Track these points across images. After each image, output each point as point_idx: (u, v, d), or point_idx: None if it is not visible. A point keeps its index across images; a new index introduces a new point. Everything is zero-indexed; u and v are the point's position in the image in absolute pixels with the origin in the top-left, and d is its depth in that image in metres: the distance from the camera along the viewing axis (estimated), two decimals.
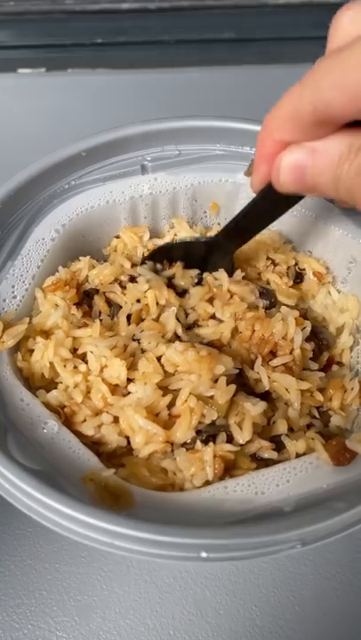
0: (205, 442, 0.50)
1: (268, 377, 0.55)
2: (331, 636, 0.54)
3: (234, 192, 0.68)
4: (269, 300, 0.60)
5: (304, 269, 0.66)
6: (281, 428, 0.53)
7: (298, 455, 0.52)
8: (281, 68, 1.05)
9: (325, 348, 0.60)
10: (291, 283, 0.65)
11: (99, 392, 0.53)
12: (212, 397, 0.52)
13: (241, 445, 0.51)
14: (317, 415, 0.56)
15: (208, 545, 0.42)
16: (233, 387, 0.52)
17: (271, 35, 1.10)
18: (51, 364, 0.56)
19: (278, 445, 0.53)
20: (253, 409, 0.52)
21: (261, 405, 0.52)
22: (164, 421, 0.52)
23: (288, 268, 0.66)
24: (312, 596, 0.56)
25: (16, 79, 1.04)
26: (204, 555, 0.42)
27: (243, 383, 0.55)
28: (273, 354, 0.57)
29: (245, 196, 0.68)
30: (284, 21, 1.10)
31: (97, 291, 0.61)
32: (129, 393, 0.53)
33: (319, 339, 0.60)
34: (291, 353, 0.56)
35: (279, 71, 1.03)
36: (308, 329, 0.57)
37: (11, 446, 0.49)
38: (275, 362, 0.56)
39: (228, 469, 0.50)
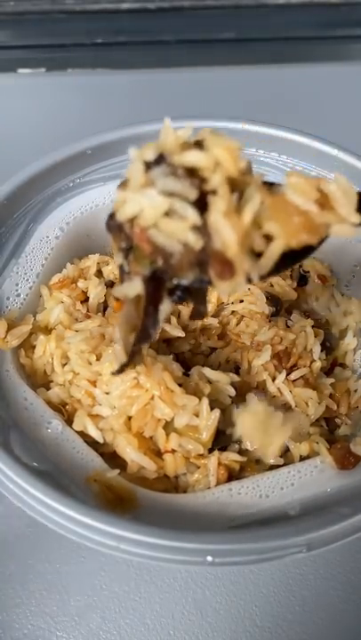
0: (212, 448, 0.50)
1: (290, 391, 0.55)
2: (331, 637, 0.55)
3: None
4: (275, 307, 0.60)
5: (308, 272, 0.66)
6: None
7: (301, 458, 0.52)
8: (281, 69, 1.05)
9: (329, 350, 0.60)
10: (295, 285, 0.65)
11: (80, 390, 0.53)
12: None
13: (247, 450, 0.51)
14: (324, 425, 0.56)
15: (214, 550, 0.42)
16: (216, 415, 0.50)
17: (271, 35, 1.10)
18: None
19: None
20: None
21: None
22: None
23: (292, 270, 0.66)
24: (312, 596, 0.56)
25: (16, 79, 1.04)
26: (209, 559, 0.43)
27: (261, 392, 0.55)
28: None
29: None
30: (284, 21, 1.10)
31: (112, 284, 0.61)
32: None
33: (323, 341, 0.60)
34: (310, 365, 0.57)
35: (280, 71, 1.04)
36: (322, 337, 0.58)
37: (14, 445, 0.49)
38: (294, 375, 0.56)
39: (233, 478, 0.50)
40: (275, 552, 0.43)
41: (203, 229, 0.35)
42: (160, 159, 0.36)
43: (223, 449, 0.52)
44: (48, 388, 0.55)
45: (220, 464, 0.50)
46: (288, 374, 0.56)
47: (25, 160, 0.63)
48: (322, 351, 0.58)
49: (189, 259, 0.36)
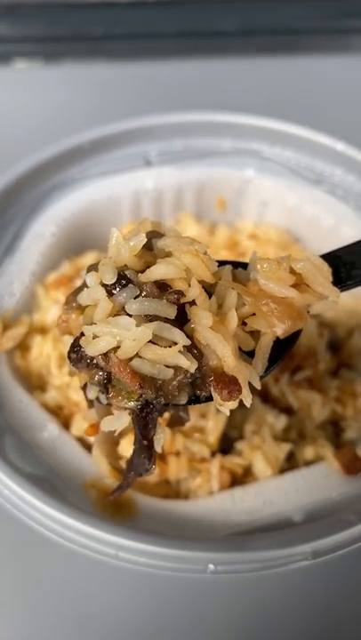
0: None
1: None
2: None
3: (242, 188, 0.66)
4: None
5: None
6: (291, 434, 0.52)
7: (306, 462, 0.51)
8: (284, 61, 1.03)
9: (335, 351, 0.59)
10: None
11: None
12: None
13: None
14: (330, 428, 0.55)
15: (216, 558, 0.41)
16: (223, 417, 0.49)
17: (275, 26, 1.08)
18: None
19: None
20: (276, 423, 0.51)
21: (283, 420, 0.51)
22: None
23: None
24: (317, 606, 0.55)
25: (13, 72, 1.02)
26: (211, 568, 0.41)
27: (264, 394, 0.54)
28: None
29: (253, 192, 0.66)
30: (289, 13, 1.08)
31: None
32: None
33: (329, 342, 0.58)
34: (315, 366, 0.55)
35: (282, 63, 1.02)
36: (327, 337, 0.56)
37: (8, 449, 0.47)
38: (298, 376, 0.54)
39: (236, 483, 0.49)
40: (279, 560, 0.42)
41: (190, 347, 0.32)
42: (121, 278, 0.33)
43: (225, 452, 0.50)
44: (44, 391, 0.54)
45: (222, 468, 0.48)
46: (292, 376, 0.55)
47: (20, 155, 0.61)
48: (327, 352, 0.57)
49: (182, 380, 0.33)
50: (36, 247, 0.59)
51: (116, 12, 1.06)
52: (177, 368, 0.32)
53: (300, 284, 0.35)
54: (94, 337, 0.32)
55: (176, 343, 0.32)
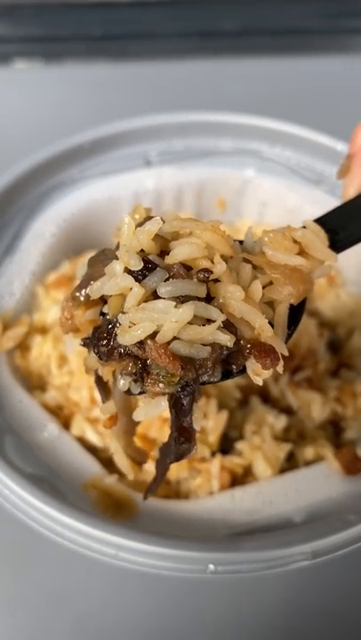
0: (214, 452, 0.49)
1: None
2: None
3: (241, 188, 0.66)
4: None
5: None
6: (291, 434, 0.52)
7: (306, 462, 0.51)
8: (285, 61, 1.03)
9: (335, 351, 0.59)
10: None
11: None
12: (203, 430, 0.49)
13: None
14: (330, 428, 0.55)
15: (216, 559, 0.41)
16: (224, 417, 0.49)
17: (274, 26, 1.08)
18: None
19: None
20: (276, 423, 0.51)
21: (283, 420, 0.51)
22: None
23: None
24: (316, 606, 0.55)
25: (13, 72, 1.02)
26: (211, 568, 0.41)
27: (264, 394, 0.54)
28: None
29: (252, 192, 0.66)
30: (290, 12, 1.08)
31: None
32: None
33: (329, 342, 0.58)
34: (314, 366, 0.55)
35: (282, 63, 1.02)
36: (326, 337, 0.56)
37: (8, 449, 0.47)
38: (298, 376, 0.54)
39: (236, 483, 0.49)
40: (279, 561, 0.42)
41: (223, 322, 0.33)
42: (147, 263, 0.33)
43: (225, 452, 0.50)
44: (44, 391, 0.54)
45: (222, 468, 0.48)
46: (292, 376, 0.55)
47: (20, 155, 0.61)
48: (327, 352, 0.57)
49: (217, 357, 0.33)
50: (36, 247, 0.59)
51: (116, 12, 1.06)
52: (213, 345, 0.33)
53: (301, 251, 0.36)
54: (130, 325, 0.32)
55: (209, 320, 0.32)
